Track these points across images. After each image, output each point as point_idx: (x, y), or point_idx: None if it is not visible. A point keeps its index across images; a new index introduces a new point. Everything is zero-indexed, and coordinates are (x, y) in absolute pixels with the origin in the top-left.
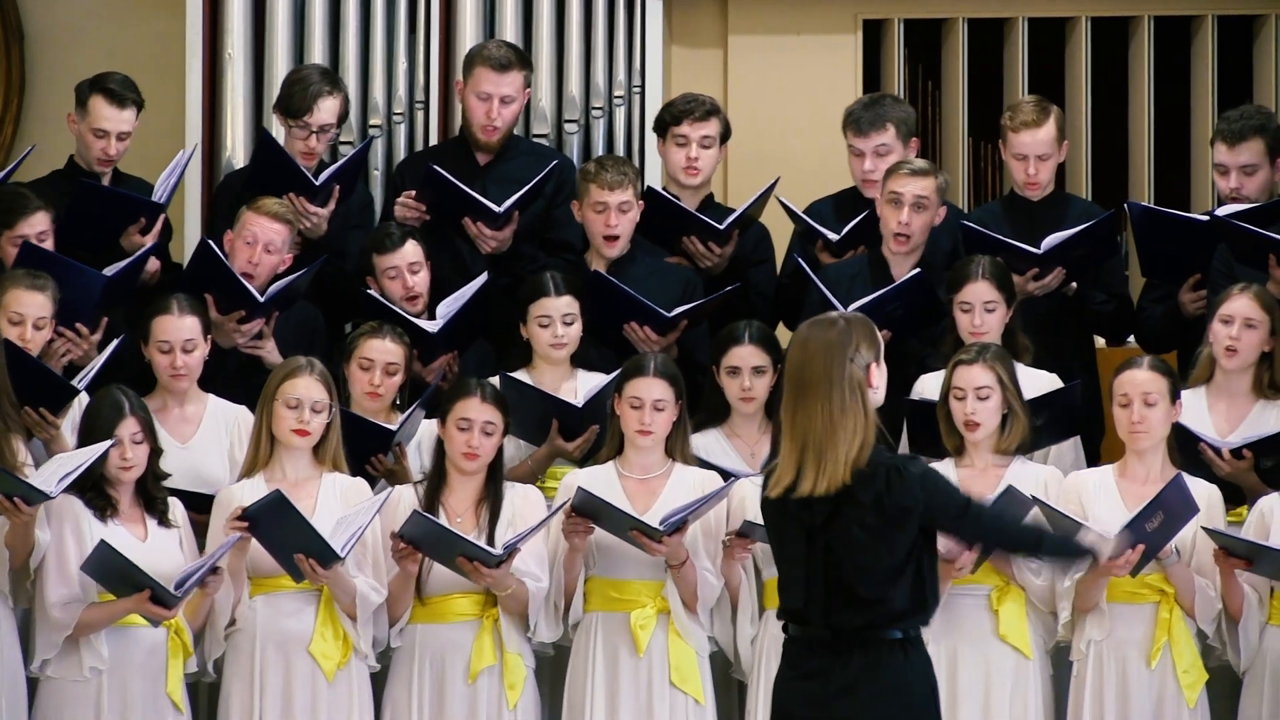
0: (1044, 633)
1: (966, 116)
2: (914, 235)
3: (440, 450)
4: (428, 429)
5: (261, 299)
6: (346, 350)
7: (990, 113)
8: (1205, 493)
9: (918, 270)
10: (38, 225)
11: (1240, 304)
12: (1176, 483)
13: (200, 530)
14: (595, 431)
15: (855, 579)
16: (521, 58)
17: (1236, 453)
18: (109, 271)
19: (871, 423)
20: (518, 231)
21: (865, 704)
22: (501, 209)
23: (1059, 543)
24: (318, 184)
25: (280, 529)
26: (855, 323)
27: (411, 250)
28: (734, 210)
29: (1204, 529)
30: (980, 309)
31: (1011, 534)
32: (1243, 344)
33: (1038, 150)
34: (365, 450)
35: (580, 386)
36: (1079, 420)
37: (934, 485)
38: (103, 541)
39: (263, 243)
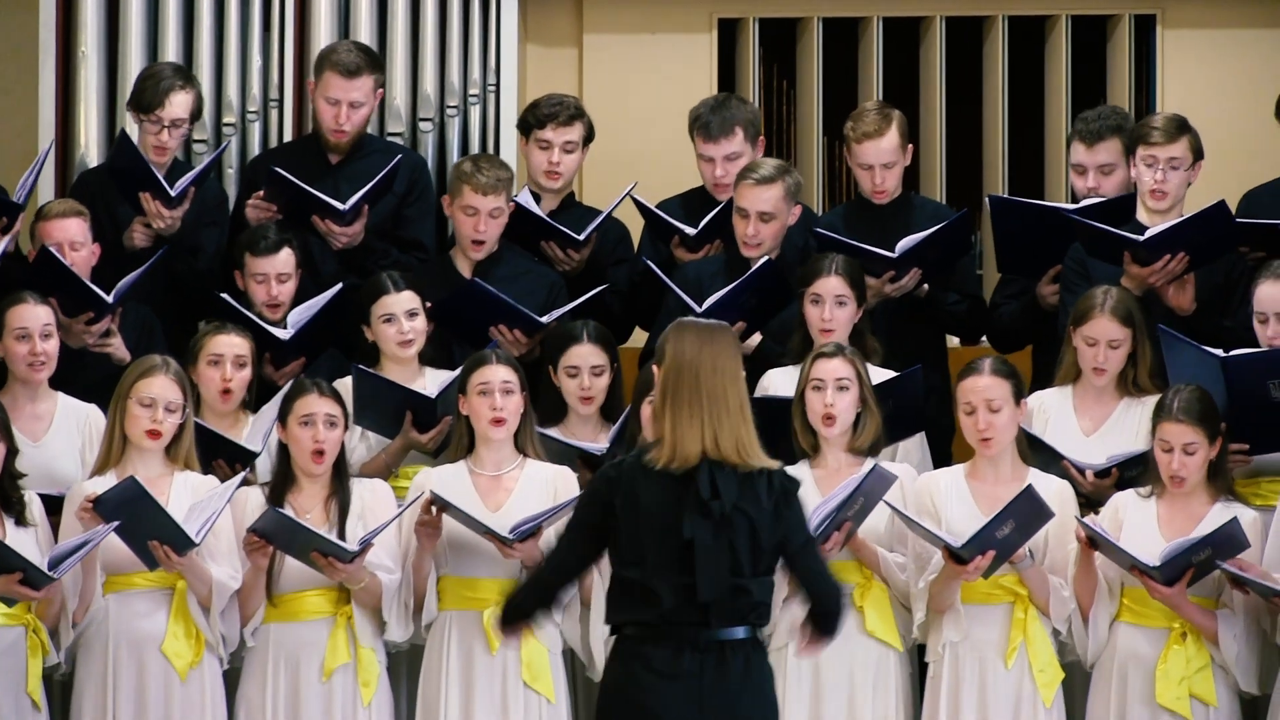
0: (905, 629)
1: (821, 116)
2: (764, 243)
3: (284, 452)
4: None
5: (109, 299)
6: (192, 353)
7: (845, 112)
8: (1056, 489)
9: (766, 259)
10: None
11: (1102, 327)
12: (1028, 493)
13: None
14: (449, 422)
15: (745, 579)
16: (372, 61)
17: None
18: None
19: None
20: (369, 227)
21: (741, 701)
22: (346, 206)
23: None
24: (174, 193)
25: (134, 516)
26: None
27: (284, 259)
28: (593, 210)
29: (1076, 518)
30: (831, 302)
31: (820, 586)
32: (1110, 364)
33: (882, 159)
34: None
35: (429, 384)
36: (923, 414)
37: (800, 506)
38: None
39: (65, 243)
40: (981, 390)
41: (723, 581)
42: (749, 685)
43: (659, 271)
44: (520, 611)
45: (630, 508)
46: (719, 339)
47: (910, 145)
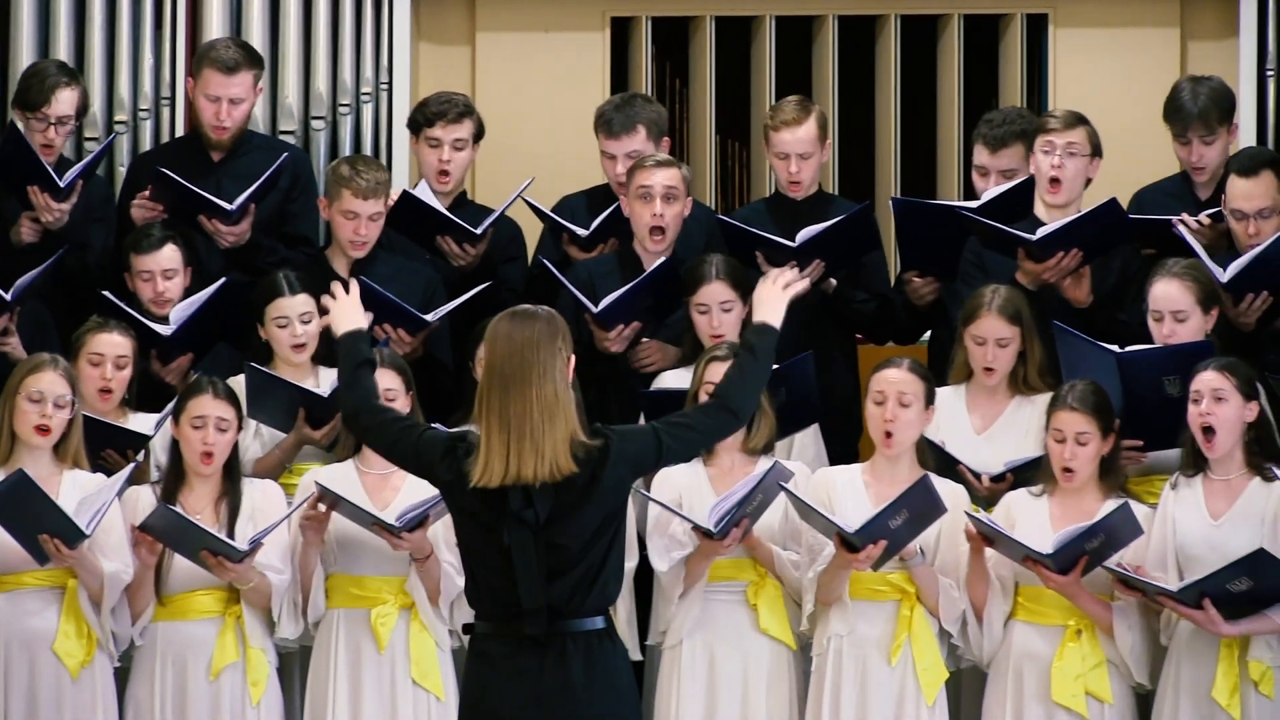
0: (799, 627)
1: (714, 115)
2: (669, 227)
3: (175, 450)
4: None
5: (9, 298)
6: (73, 349)
7: (738, 111)
8: (950, 491)
9: (664, 259)
10: None
11: (989, 325)
12: (924, 483)
13: None
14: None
15: (577, 568)
16: (250, 57)
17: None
18: None
19: (575, 411)
20: (255, 224)
21: (584, 696)
22: (233, 207)
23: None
24: (63, 185)
25: (23, 509)
26: (555, 316)
27: (168, 255)
28: (486, 208)
29: (966, 513)
30: (717, 310)
31: (700, 425)
32: (999, 362)
33: (799, 149)
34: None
35: (322, 382)
36: (818, 403)
37: (628, 440)
38: None
39: None
40: (895, 382)
41: (541, 588)
42: (592, 678)
43: (555, 271)
44: None
45: (452, 506)
46: (534, 331)
47: (829, 141)
